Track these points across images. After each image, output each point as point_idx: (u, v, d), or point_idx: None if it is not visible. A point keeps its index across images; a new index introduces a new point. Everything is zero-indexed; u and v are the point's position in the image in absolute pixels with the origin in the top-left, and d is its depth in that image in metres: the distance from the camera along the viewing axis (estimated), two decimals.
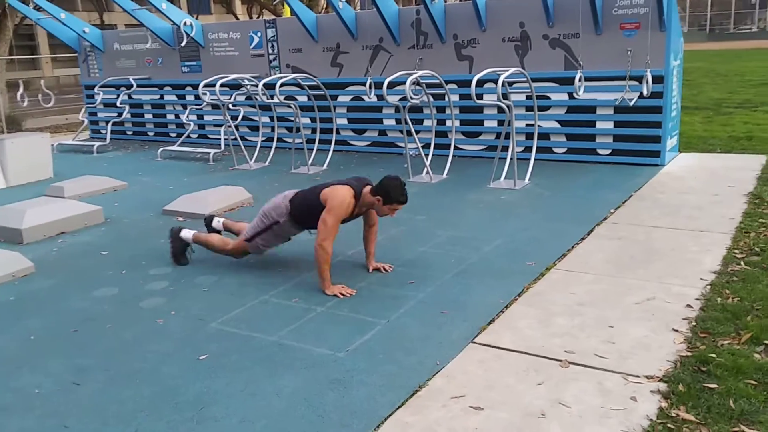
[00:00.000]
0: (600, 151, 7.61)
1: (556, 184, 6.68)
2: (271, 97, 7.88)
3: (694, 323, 3.39)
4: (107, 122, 11.70)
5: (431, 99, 7.77)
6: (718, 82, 17.16)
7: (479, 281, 4.15)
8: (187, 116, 9.99)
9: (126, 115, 11.05)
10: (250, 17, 47.49)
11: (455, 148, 8.15)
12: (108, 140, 10.75)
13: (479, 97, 6.41)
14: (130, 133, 11.73)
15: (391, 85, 6.78)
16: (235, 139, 8.84)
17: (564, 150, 7.80)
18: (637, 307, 3.65)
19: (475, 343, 3.33)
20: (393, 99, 6.77)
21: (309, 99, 8.34)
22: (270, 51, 9.69)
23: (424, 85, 7.45)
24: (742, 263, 4.18)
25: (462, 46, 8.17)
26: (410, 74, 6.86)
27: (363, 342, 3.40)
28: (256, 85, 8.70)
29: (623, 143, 7.44)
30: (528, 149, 7.41)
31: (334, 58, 9.15)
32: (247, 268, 4.59)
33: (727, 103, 13.07)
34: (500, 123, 8.14)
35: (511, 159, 6.78)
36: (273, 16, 33.10)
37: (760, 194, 5.78)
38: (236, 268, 4.59)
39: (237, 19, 40.42)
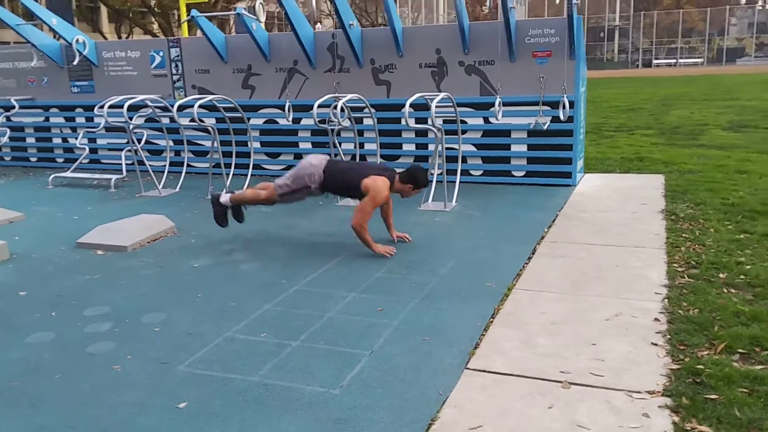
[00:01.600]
0: (515, 173, 7.90)
1: (481, 205, 6.84)
2: (191, 120, 7.49)
3: (668, 336, 3.55)
4: None
5: (354, 123, 7.72)
6: (590, 108, 18.49)
7: (448, 305, 4.11)
8: (80, 140, 9.23)
9: (5, 139, 10.03)
10: (119, 36, 45.30)
11: None
12: None
13: (420, 121, 6.42)
14: (8, 158, 10.67)
15: (309, 107, 6.67)
16: (141, 163, 8.27)
17: (480, 172, 8.02)
18: (608, 323, 3.77)
19: (469, 369, 3.28)
20: (322, 122, 6.62)
21: (225, 121, 7.97)
22: (174, 71, 9.23)
23: (348, 108, 7.38)
24: (686, 276, 4.46)
25: (379, 71, 8.21)
26: (337, 97, 6.77)
27: (354, 376, 3.24)
28: (165, 107, 8.26)
29: (537, 165, 7.78)
30: (449, 172, 7.54)
31: (246, 80, 8.88)
32: (195, 305, 4.26)
33: (605, 127, 14.11)
34: (418, 147, 8.25)
35: (439, 182, 6.86)
36: (150, 36, 31.70)
37: (673, 211, 6.23)
38: (182, 304, 4.26)
39: (105, 38, 38.36)
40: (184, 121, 7.55)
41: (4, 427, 2.86)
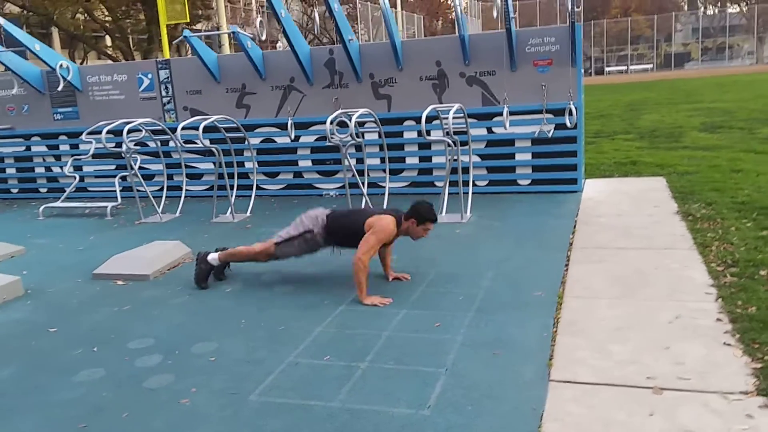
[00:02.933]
0: (520, 182, 7.93)
1: (496, 215, 6.83)
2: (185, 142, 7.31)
3: (737, 336, 3.55)
4: None
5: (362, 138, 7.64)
6: None
7: (505, 316, 4.06)
8: (69, 168, 8.92)
9: None
10: (73, 60, 44.29)
11: (375, 186, 8.08)
12: None
13: (427, 133, 6.38)
14: None
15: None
16: (141, 189, 8.03)
17: (486, 183, 8.02)
18: (672, 326, 3.76)
19: (553, 381, 3.22)
20: (336, 138, 6.53)
21: (225, 142, 7.81)
22: (164, 93, 9.02)
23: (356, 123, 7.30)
24: (728, 275, 4.50)
25: (379, 85, 8.17)
26: (347, 113, 6.70)
27: (439, 395, 3.15)
28: (163, 130, 8.07)
29: (542, 173, 7.82)
30: (453, 183, 7.51)
31: (240, 99, 8.73)
32: (242, 332, 4.11)
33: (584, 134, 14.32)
34: (422, 159, 8.22)
35: (458, 194, 6.82)
36: (110, 60, 31.06)
37: (688, 212, 6.32)
38: (228, 332, 4.10)
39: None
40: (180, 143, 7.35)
41: None
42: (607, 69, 63.96)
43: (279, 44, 9.56)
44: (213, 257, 5.01)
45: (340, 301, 4.52)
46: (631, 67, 62.59)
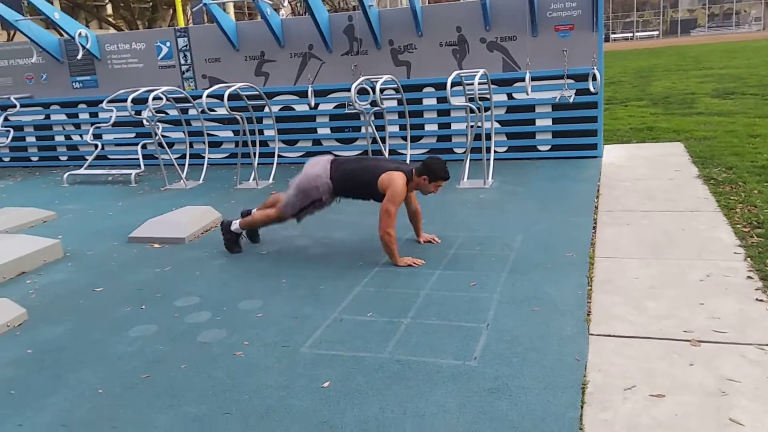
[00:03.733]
0: (540, 148, 8.00)
1: (518, 180, 6.91)
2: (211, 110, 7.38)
3: None
4: None
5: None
6: None
7: (539, 276, 4.17)
8: (90, 136, 9.00)
9: (8, 140, 9.69)
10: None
11: (395, 153, 8.16)
12: None
13: (443, 100, 6.41)
14: (7, 159, 10.35)
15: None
16: (166, 157, 8.11)
17: (505, 149, 8.09)
18: (705, 284, 3.88)
19: (593, 335, 3.35)
20: (359, 105, 6.59)
21: (247, 110, 7.87)
22: (182, 61, 9.04)
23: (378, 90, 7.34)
24: (754, 236, 4.60)
25: (399, 52, 8.18)
26: (372, 79, 6.74)
27: (483, 348, 3.28)
28: (185, 99, 8.13)
29: (562, 139, 7.88)
30: (474, 150, 7.58)
31: (259, 67, 8.75)
32: (284, 290, 4.24)
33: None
34: (441, 126, 8.27)
35: (479, 160, 6.90)
36: (114, 29, 30.88)
37: (710, 176, 6.40)
38: (272, 291, 4.23)
39: (61, 34, 36.96)
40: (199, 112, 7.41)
41: (159, 419, 2.82)
42: (612, 36, 63.25)
43: (282, 12, 9.55)
44: (236, 227, 5.01)
45: (374, 262, 4.64)
46: (637, 34, 61.89)
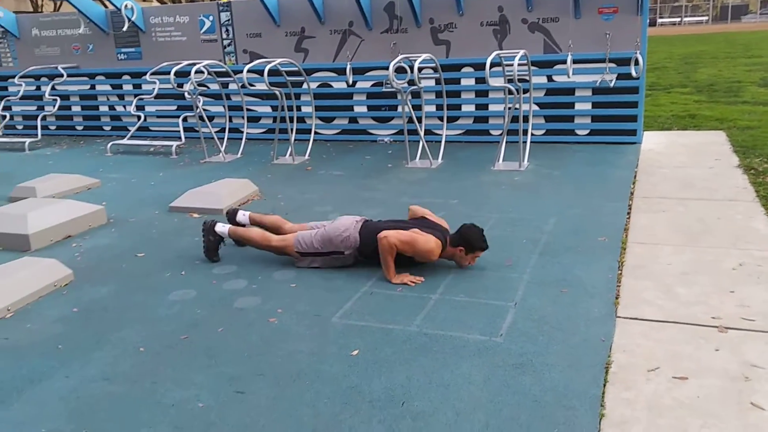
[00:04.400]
0: (578, 132, 7.93)
1: (554, 164, 6.89)
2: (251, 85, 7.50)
3: None
4: (23, 116, 10.65)
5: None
6: None
7: (570, 259, 4.20)
8: (133, 107, 9.24)
9: (55, 108, 9.99)
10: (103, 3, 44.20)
11: (431, 133, 8.18)
12: (39, 136, 9.69)
13: (481, 80, 6.40)
14: (53, 127, 10.66)
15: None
16: (206, 131, 8.28)
17: (543, 132, 8.05)
18: (737, 272, 3.86)
19: (621, 317, 3.38)
20: (396, 84, 6.63)
21: (288, 86, 7.97)
22: (224, 36, 9.18)
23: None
24: None
25: (438, 31, 8.17)
26: (411, 57, 6.77)
27: (510, 325, 3.35)
28: (226, 73, 8.27)
29: (601, 123, 7.80)
30: (511, 132, 7.57)
31: (299, 43, 8.84)
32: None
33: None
34: (478, 107, 8.26)
35: (515, 142, 6.90)
36: (156, 1, 31.12)
37: (750, 165, 6.30)
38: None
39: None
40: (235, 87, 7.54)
41: (197, 377, 2.97)
42: (659, 20, 61.62)
43: None
44: (222, 230, 4.42)
45: None
46: (685, 19, 60.19)
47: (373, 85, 8.58)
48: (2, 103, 10.21)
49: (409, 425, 2.56)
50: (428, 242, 3.92)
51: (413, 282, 3.90)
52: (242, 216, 4.66)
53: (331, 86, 8.81)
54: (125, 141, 8.91)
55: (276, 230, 4.47)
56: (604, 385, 2.78)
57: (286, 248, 4.24)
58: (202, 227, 4.45)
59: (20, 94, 9.87)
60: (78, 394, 2.89)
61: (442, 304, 3.65)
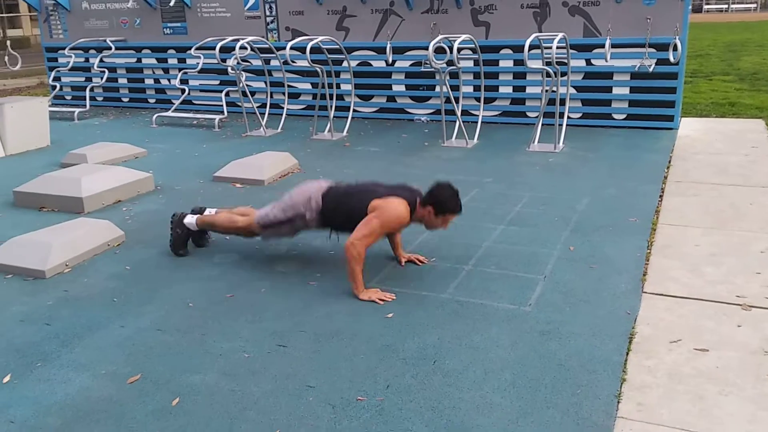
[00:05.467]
0: (615, 116, 7.95)
1: (589, 146, 6.95)
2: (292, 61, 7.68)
3: None
4: (72, 87, 11.02)
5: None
6: None
7: (600, 237, 4.31)
8: (178, 81, 9.51)
9: (103, 80, 10.33)
10: None
11: (467, 114, 8.27)
12: (88, 107, 10.05)
13: (518, 62, 6.47)
14: (100, 99, 11.02)
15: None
16: (248, 106, 8.52)
17: (579, 115, 8.07)
18: (765, 255, 3.93)
19: (646, 293, 3.50)
20: (436, 64, 6.74)
21: (329, 64, 8.14)
22: (267, 13, 9.36)
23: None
24: None
25: (479, 12, 8.23)
26: (450, 38, 6.86)
27: (539, 296, 3.49)
28: (269, 49, 8.46)
29: (639, 108, 7.80)
30: (547, 115, 7.61)
31: (340, 22, 8.98)
32: None
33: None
34: (515, 89, 8.32)
35: (551, 125, 6.96)
36: None
37: None
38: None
39: None
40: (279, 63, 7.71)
41: (243, 331, 3.19)
42: (705, 7, 59.92)
43: None
44: (190, 221, 4.18)
45: None
46: (732, 6, 58.45)
47: (411, 65, 8.69)
48: (53, 73, 10.60)
49: (440, 380, 2.74)
50: (396, 208, 3.52)
51: (382, 300, 3.47)
52: (190, 219, 4.23)
53: (370, 65, 8.94)
54: (170, 113, 9.20)
55: (229, 224, 4.14)
56: (627, 354, 2.91)
57: (250, 225, 3.97)
58: (171, 219, 4.25)
59: (70, 65, 10.22)
60: (133, 341, 3.13)
61: (473, 274, 3.81)
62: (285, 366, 2.88)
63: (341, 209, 3.70)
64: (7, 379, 2.84)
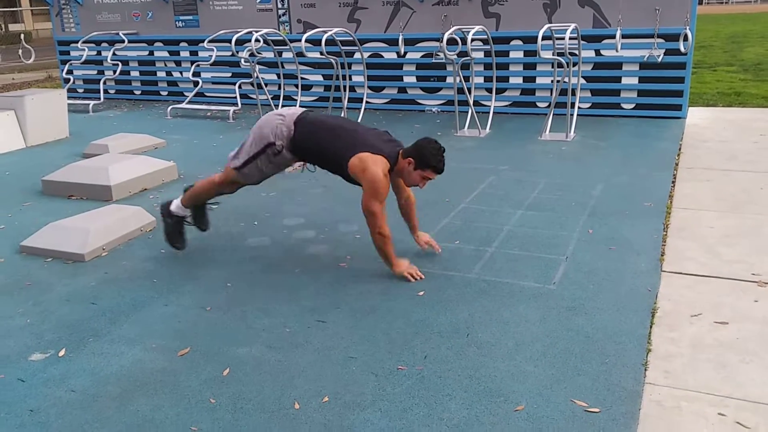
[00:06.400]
0: (624, 106, 8.08)
1: (600, 135, 7.08)
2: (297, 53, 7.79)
3: None
4: (84, 80, 11.15)
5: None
6: None
7: (617, 221, 4.46)
8: (193, 73, 9.64)
9: (117, 73, 10.46)
10: None
11: (478, 104, 8.40)
12: (102, 99, 10.18)
13: (530, 53, 6.60)
14: (112, 91, 11.14)
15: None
16: (264, 98, 8.65)
17: (589, 105, 8.21)
18: None
19: (665, 272, 3.65)
20: (449, 55, 6.87)
21: (342, 55, 8.26)
22: (279, 5, 9.48)
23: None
24: None
25: (489, 3, 8.35)
26: (463, 29, 6.99)
27: (562, 276, 3.64)
28: (282, 41, 8.58)
29: (647, 98, 7.94)
30: (557, 104, 7.74)
31: (351, 14, 9.10)
32: None
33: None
34: (526, 80, 8.45)
35: (562, 115, 7.09)
36: None
37: None
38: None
39: None
40: (288, 55, 7.84)
41: (282, 309, 3.34)
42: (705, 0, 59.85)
43: None
44: (176, 206, 3.96)
45: (459, 200, 5.01)
46: None
47: (422, 56, 8.82)
48: (66, 66, 10.71)
49: (475, 352, 2.89)
50: (377, 181, 3.36)
51: (415, 277, 3.57)
52: (175, 204, 4.01)
53: (381, 56, 9.07)
54: (184, 105, 9.33)
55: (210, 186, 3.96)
56: (651, 327, 3.06)
57: (227, 175, 3.79)
58: (160, 209, 4.04)
59: (83, 58, 10.34)
60: (178, 318, 3.28)
61: (498, 255, 3.95)
62: (326, 339, 3.03)
63: (318, 149, 3.54)
64: (62, 353, 2.99)
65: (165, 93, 10.73)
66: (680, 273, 3.62)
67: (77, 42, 10.54)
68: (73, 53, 10.96)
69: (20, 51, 10.05)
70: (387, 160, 3.45)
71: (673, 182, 5.32)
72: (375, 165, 3.38)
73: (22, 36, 10.28)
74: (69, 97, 10.72)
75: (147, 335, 3.13)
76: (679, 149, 6.36)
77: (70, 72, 11.06)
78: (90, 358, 2.94)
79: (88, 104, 9.80)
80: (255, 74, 8.26)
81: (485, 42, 8.06)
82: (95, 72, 10.98)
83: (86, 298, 3.54)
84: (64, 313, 3.38)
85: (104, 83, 10.60)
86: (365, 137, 3.50)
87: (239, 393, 2.62)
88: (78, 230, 4.17)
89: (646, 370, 2.71)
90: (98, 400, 2.62)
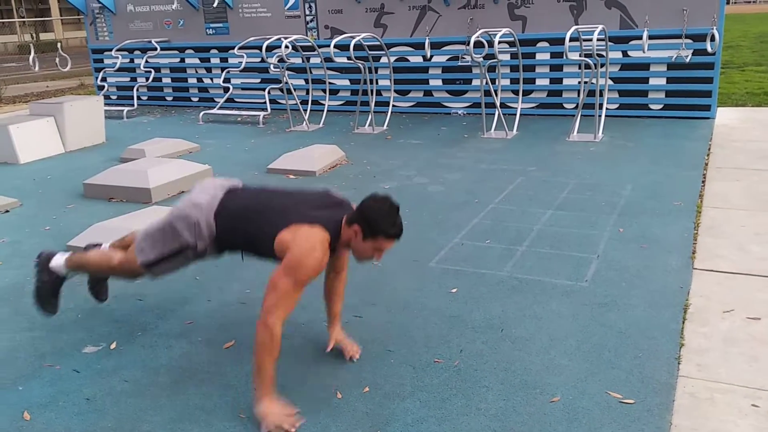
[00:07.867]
0: (652, 106, 8.08)
1: (628, 136, 7.10)
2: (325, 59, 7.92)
3: None
4: (117, 87, 11.42)
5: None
6: None
7: (647, 219, 4.50)
8: (223, 79, 9.85)
9: (150, 80, 10.71)
10: None
11: (505, 106, 8.46)
12: (135, 105, 10.44)
13: (556, 55, 6.65)
14: (145, 98, 11.40)
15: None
16: (293, 103, 8.81)
17: (616, 106, 8.22)
18: None
19: (697, 269, 3.69)
20: (475, 58, 6.95)
21: (369, 60, 8.39)
22: (307, 12, 9.65)
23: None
24: None
25: (515, 6, 8.42)
26: (490, 32, 7.07)
27: (594, 273, 3.70)
28: (311, 47, 8.74)
29: (675, 98, 7.93)
30: (585, 106, 7.77)
31: (378, 19, 9.22)
32: (409, 217, 4.77)
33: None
34: (552, 81, 8.49)
35: (590, 116, 7.13)
36: None
37: None
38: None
39: None
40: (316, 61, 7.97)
41: (319, 305, 3.44)
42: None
43: None
44: (58, 263, 3.15)
45: (488, 201, 5.09)
46: None
47: (448, 60, 8.91)
48: (101, 74, 11.00)
49: (510, 346, 2.97)
50: (310, 258, 2.47)
51: (280, 429, 2.43)
52: (58, 260, 3.17)
53: (407, 60, 9.17)
54: (216, 111, 9.53)
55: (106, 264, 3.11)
56: (683, 322, 3.11)
57: (130, 263, 2.93)
58: (37, 259, 3.21)
59: (117, 66, 10.61)
60: (221, 313, 3.42)
61: (528, 254, 4.02)
62: (363, 333, 3.13)
63: (240, 235, 2.72)
64: (113, 345, 3.13)
65: (196, 99, 10.96)
66: (711, 270, 3.66)
67: (111, 50, 10.81)
68: (106, 61, 11.24)
69: (57, 59, 10.32)
70: (328, 232, 2.56)
71: (703, 182, 5.34)
72: (312, 236, 2.51)
73: (59, 45, 10.54)
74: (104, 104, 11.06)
75: (193, 329, 3.26)
76: (709, 149, 6.36)
77: (104, 79, 11.35)
78: (140, 351, 3.08)
79: (123, 110, 10.05)
80: (284, 80, 8.42)
81: (512, 44, 8.12)
82: (128, 79, 11.25)
83: (133, 295, 3.69)
84: (113, 308, 3.53)
85: (137, 90, 10.86)
86: (298, 207, 2.66)
87: (283, 383, 2.72)
88: (121, 231, 4.32)
89: (679, 363, 2.77)
90: (150, 389, 2.76)
